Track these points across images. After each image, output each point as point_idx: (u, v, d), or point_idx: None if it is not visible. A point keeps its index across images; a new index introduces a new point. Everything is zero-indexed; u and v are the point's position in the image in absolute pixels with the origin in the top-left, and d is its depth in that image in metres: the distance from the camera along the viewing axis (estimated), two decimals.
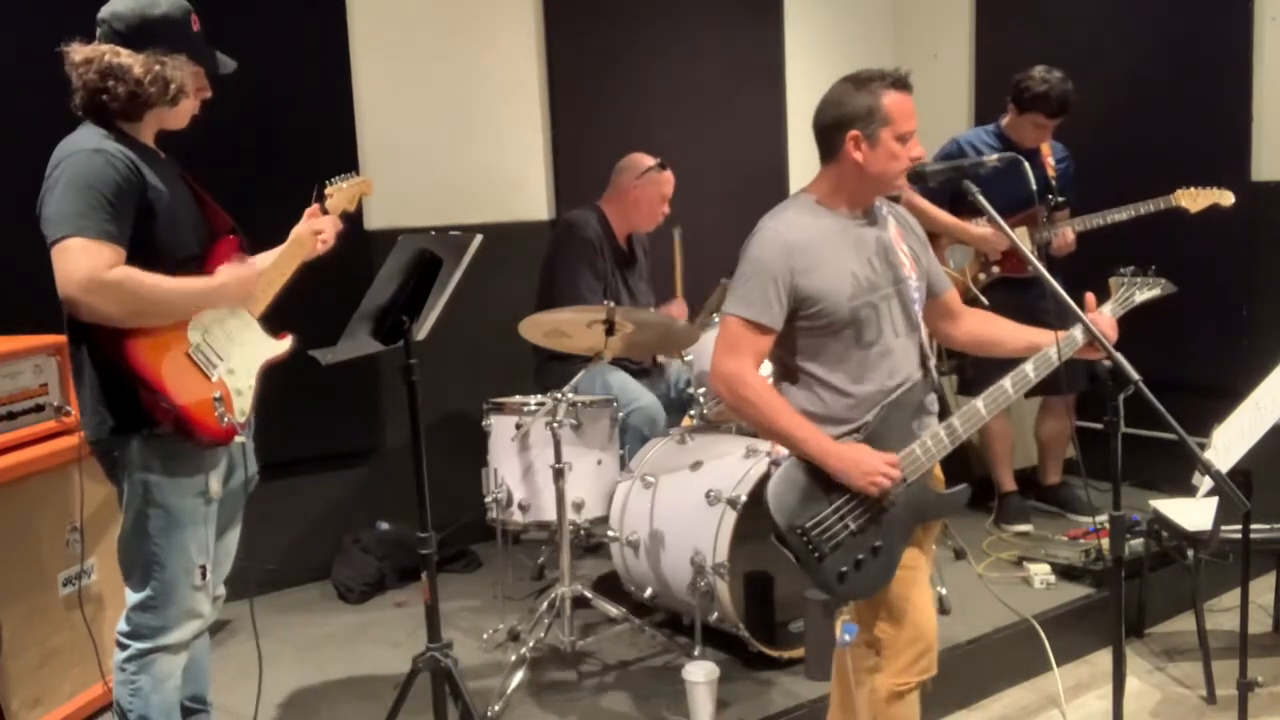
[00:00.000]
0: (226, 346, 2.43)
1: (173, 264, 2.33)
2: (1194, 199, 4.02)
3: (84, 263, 2.17)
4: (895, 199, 2.75)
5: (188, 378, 2.32)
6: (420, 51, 4.38)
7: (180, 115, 2.43)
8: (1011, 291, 4.18)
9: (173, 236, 2.34)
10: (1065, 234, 4.18)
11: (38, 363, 3.01)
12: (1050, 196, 4.22)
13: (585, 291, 3.91)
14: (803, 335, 2.38)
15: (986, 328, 2.66)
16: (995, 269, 4.27)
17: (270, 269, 2.54)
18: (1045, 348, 2.45)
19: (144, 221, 2.28)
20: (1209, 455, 2.65)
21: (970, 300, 4.16)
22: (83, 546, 3.05)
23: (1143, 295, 2.65)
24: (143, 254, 2.26)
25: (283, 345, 2.58)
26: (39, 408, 3.01)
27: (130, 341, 2.25)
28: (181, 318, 2.34)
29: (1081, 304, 2.48)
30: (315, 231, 2.59)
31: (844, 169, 2.39)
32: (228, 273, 2.42)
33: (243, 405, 2.44)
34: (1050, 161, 4.27)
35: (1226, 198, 4.01)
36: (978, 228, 4.17)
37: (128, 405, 2.29)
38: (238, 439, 2.39)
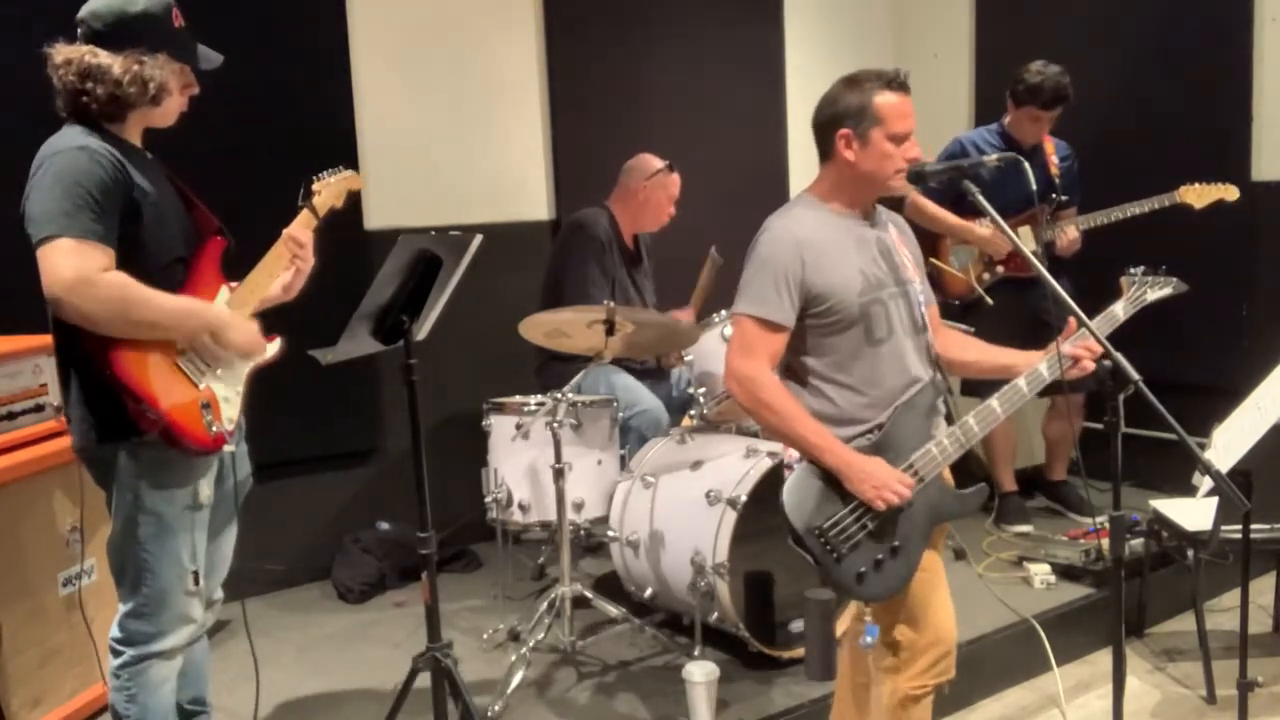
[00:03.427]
0: (215, 352, 2.38)
1: (159, 265, 2.29)
2: (1199, 195, 4.01)
3: (72, 263, 2.13)
4: (900, 202, 2.74)
5: (175, 386, 2.29)
6: (420, 52, 4.38)
7: (167, 114, 2.39)
8: (1015, 291, 4.18)
9: (159, 237, 2.30)
10: (1068, 233, 4.17)
11: (38, 363, 3.01)
12: (1054, 195, 4.22)
13: (593, 290, 3.91)
14: (812, 334, 2.38)
15: (959, 349, 2.62)
16: (999, 269, 4.27)
17: (256, 271, 2.48)
18: (1020, 373, 2.43)
19: (130, 221, 2.24)
20: (1209, 455, 2.64)
21: (975, 301, 4.17)
22: (83, 546, 3.05)
23: (1154, 294, 2.65)
24: (128, 254, 2.23)
25: (271, 348, 2.54)
26: (39, 408, 3.01)
27: (117, 349, 2.22)
28: (165, 335, 2.28)
29: (1086, 307, 2.47)
30: (292, 239, 2.51)
31: (839, 168, 2.40)
32: (238, 319, 2.37)
33: (231, 412, 2.40)
34: (1054, 160, 4.27)
35: (1231, 193, 4.00)
36: (982, 228, 4.17)
37: (114, 413, 2.26)
38: (227, 448, 2.37)
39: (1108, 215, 4.12)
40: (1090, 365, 2.39)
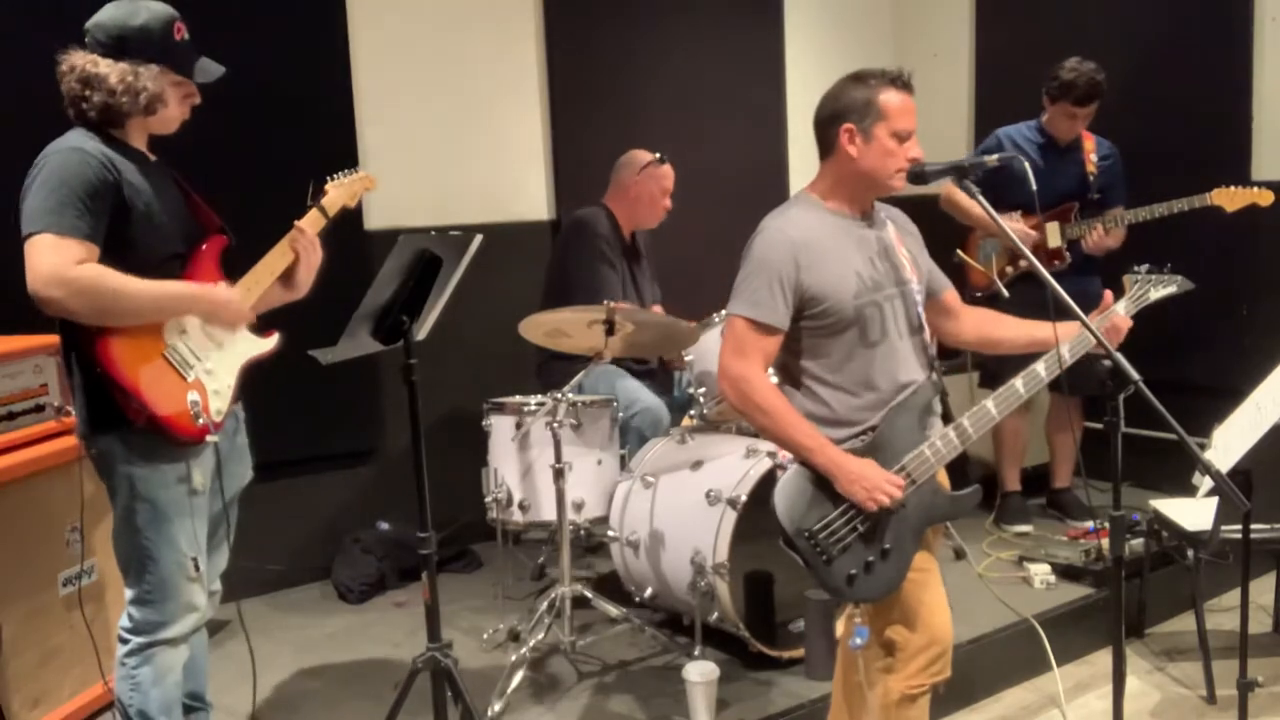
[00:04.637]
0: (205, 346, 2.44)
1: (153, 262, 2.35)
2: (1231, 198, 3.96)
3: (50, 258, 2.21)
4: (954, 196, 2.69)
5: (163, 379, 2.35)
6: (420, 52, 4.38)
7: (166, 122, 2.46)
8: (1034, 286, 4.16)
9: (150, 235, 2.36)
10: (1096, 230, 4.17)
11: (38, 363, 3.01)
12: (1088, 193, 4.22)
13: (601, 286, 3.91)
14: (807, 336, 2.38)
15: (988, 325, 2.64)
16: (1022, 263, 4.27)
17: (257, 267, 2.54)
18: (1051, 346, 2.43)
19: (120, 220, 2.30)
20: (1209, 455, 2.65)
21: (993, 294, 4.18)
22: (83, 546, 3.05)
23: (1158, 293, 2.65)
24: (120, 252, 2.30)
25: (268, 344, 2.58)
26: (39, 408, 3.01)
27: (105, 341, 2.29)
28: (150, 320, 2.35)
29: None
30: (294, 240, 2.58)
31: (840, 165, 2.39)
32: (212, 289, 2.43)
33: (219, 405, 2.45)
34: (1092, 158, 4.27)
35: (1265, 197, 3.93)
36: (1010, 222, 4.17)
37: (105, 404, 2.33)
38: (210, 438, 2.41)
39: (1136, 215, 4.12)
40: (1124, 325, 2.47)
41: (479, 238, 2.70)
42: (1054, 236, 4.23)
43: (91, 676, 3.06)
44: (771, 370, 2.47)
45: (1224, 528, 3.16)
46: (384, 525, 4.24)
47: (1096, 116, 4.27)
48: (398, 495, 3.47)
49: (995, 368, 4.14)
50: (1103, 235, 4.17)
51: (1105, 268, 4.21)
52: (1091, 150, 4.28)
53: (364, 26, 4.23)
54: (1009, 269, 4.30)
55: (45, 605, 2.96)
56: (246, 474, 2.69)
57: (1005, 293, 4.17)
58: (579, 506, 3.49)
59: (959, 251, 4.35)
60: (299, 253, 2.59)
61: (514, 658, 3.25)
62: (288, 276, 2.61)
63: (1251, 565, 2.97)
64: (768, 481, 3.16)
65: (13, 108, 3.26)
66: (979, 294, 4.30)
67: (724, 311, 3.56)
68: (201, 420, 2.38)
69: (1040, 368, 2.44)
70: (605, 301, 3.30)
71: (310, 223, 2.63)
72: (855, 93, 2.35)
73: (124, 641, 2.47)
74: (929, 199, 3.57)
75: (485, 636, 3.58)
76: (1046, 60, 4.22)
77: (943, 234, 3.72)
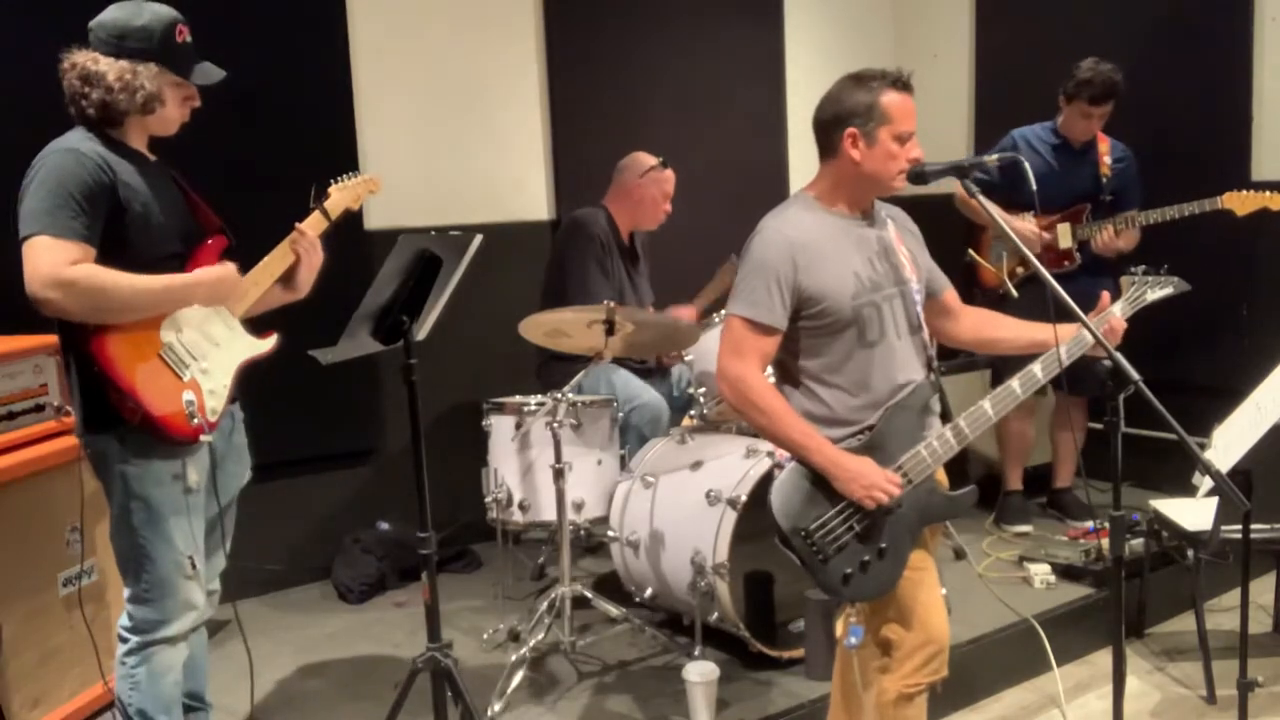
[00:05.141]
0: (202, 346, 2.46)
1: (149, 262, 2.36)
2: (1242, 202, 3.95)
3: (46, 259, 2.22)
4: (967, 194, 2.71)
5: (159, 378, 2.36)
6: (420, 52, 4.38)
7: (165, 122, 2.46)
8: (1044, 286, 4.17)
9: (147, 235, 2.37)
10: (1106, 231, 4.17)
11: (38, 363, 3.01)
12: (1101, 195, 4.23)
13: (595, 288, 3.91)
14: (805, 336, 2.38)
15: (987, 326, 2.64)
16: None
17: (258, 269, 2.56)
18: (1050, 347, 2.44)
19: (116, 220, 2.32)
20: (1209, 455, 2.65)
21: (1003, 294, 4.18)
22: (83, 546, 3.05)
23: (1154, 294, 2.65)
24: (117, 252, 2.31)
25: (265, 344, 2.59)
26: (39, 408, 3.01)
27: (101, 340, 2.30)
28: (148, 315, 2.36)
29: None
30: (294, 241, 2.60)
31: (841, 167, 2.38)
32: (203, 272, 2.44)
33: (214, 405, 2.46)
34: (1106, 160, 4.27)
35: (1276, 201, 3.92)
36: (1020, 222, 4.17)
37: (102, 403, 2.34)
38: (204, 437, 2.42)
39: (1146, 217, 4.12)
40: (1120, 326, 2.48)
41: (479, 238, 2.70)
42: (1065, 237, 4.24)
43: (91, 676, 3.06)
44: (770, 369, 2.47)
45: (1224, 528, 3.16)
46: (384, 525, 4.24)
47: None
48: (398, 495, 3.48)
49: (1002, 368, 4.14)
50: (1112, 236, 4.17)
51: (1117, 270, 4.21)
52: (1106, 152, 4.29)
53: (364, 27, 4.23)
54: (1019, 269, 4.29)
55: (45, 605, 2.96)
56: (245, 473, 2.69)
57: (1015, 293, 4.18)
58: (579, 506, 3.49)
59: (971, 251, 4.36)
60: (299, 254, 2.60)
61: (514, 658, 3.25)
62: (288, 278, 2.62)
63: (1251, 565, 2.97)
64: (768, 481, 3.12)
65: (13, 108, 3.26)
66: (1000, 293, 4.31)
67: (724, 312, 3.59)
68: (196, 420, 2.39)
69: (1037, 369, 2.44)
70: (606, 301, 3.30)
71: (312, 225, 2.63)
72: (857, 95, 2.34)
73: (123, 640, 2.49)
74: (930, 199, 3.58)
75: (485, 636, 3.58)
76: (1046, 60, 4.22)
77: (945, 234, 3.72)
